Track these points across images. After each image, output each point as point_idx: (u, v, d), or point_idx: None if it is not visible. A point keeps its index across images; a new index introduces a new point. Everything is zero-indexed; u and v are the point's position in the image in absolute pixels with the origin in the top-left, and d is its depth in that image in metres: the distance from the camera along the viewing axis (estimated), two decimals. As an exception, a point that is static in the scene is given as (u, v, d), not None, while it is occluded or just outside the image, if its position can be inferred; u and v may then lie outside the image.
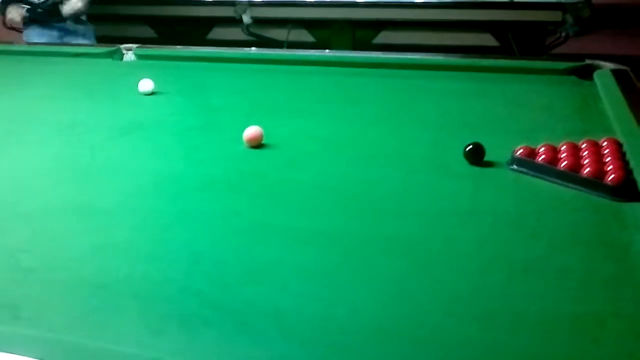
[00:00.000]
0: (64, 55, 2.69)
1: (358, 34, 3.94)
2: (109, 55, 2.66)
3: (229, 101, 2.14)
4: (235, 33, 4.28)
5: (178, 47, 2.78)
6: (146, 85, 2.17)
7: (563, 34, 3.13)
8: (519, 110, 1.89)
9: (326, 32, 4.16)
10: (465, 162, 1.53)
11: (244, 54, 2.65)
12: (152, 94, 2.17)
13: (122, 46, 2.72)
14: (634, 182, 1.34)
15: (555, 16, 3.11)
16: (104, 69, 2.56)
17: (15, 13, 3.42)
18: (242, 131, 1.69)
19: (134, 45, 2.74)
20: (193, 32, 4.37)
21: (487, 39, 3.46)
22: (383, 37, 3.89)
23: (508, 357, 0.91)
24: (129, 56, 2.68)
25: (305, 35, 4.23)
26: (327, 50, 2.88)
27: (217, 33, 4.41)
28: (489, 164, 1.53)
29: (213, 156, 1.67)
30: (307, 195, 1.43)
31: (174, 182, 1.52)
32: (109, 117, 1.99)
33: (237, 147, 1.69)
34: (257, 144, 1.68)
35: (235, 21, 4.22)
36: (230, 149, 1.70)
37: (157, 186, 1.50)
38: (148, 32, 4.49)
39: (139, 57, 2.67)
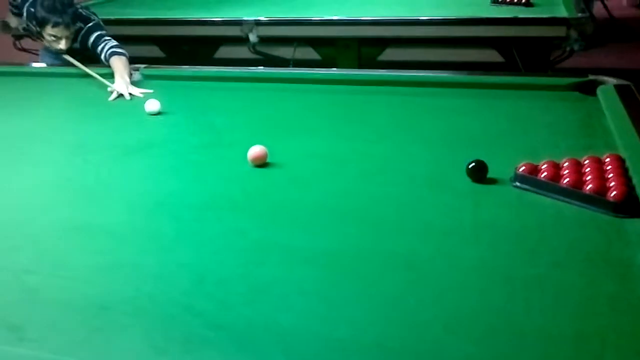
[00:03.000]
0: (71, 76, 2.72)
1: (363, 51, 3.96)
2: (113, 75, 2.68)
3: (234, 120, 2.15)
4: (242, 52, 4.31)
5: (184, 66, 2.81)
6: (153, 105, 2.20)
7: (567, 49, 3.13)
8: (522, 126, 1.90)
9: (332, 50, 4.18)
10: (468, 179, 1.54)
11: (250, 73, 2.67)
12: (158, 114, 2.19)
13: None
14: (637, 198, 1.34)
15: (559, 32, 3.11)
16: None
17: (15, 21, 3.42)
18: (245, 150, 1.71)
19: (142, 66, 2.77)
20: (200, 51, 4.41)
21: (492, 55, 3.45)
22: (388, 54, 3.90)
23: None
24: (136, 76, 2.70)
25: (311, 53, 4.25)
26: (333, 69, 2.90)
27: (223, 52, 4.44)
28: (492, 181, 1.53)
29: (217, 175, 1.69)
30: (310, 213, 1.44)
31: (179, 202, 1.54)
32: (115, 136, 2.01)
33: (241, 166, 1.70)
34: (261, 163, 1.70)
35: (242, 40, 4.25)
36: (234, 168, 1.71)
37: (161, 206, 1.52)
38: (156, 52, 4.53)
39: (146, 76, 2.70)
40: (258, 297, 1.12)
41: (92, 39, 2.84)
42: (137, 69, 2.72)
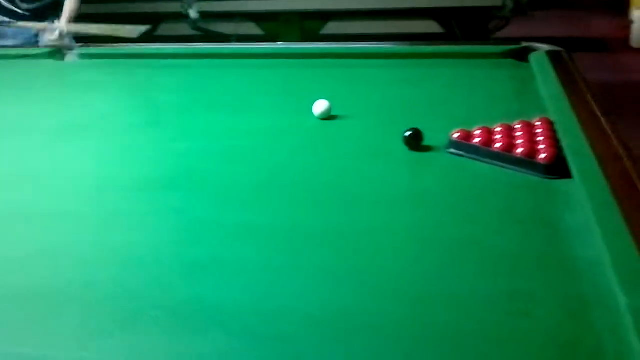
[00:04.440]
0: (1, 57, 2.63)
1: (306, 25, 3.95)
2: (50, 56, 2.61)
3: (173, 98, 2.12)
4: (183, 28, 4.25)
5: (122, 44, 2.74)
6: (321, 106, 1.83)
7: (504, 18, 3.20)
8: (459, 94, 1.93)
9: (274, 25, 4.16)
10: (404, 148, 1.56)
11: (191, 49, 2.63)
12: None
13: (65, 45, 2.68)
14: (565, 160, 1.38)
15: (495, 1, 3.17)
16: (44, 71, 2.51)
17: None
18: (184, 128, 1.69)
19: (77, 45, 2.70)
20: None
21: (432, 26, 3.51)
22: (331, 27, 3.91)
23: (447, 336, 0.93)
24: (71, 56, 2.63)
25: (253, 29, 4.22)
26: (274, 43, 2.89)
27: (164, 29, 4.37)
28: (428, 149, 1.56)
29: (153, 155, 1.66)
30: (247, 189, 1.43)
31: (113, 183, 1.51)
32: (48, 119, 1.95)
33: (177, 144, 1.69)
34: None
35: (183, 16, 4.18)
36: (171, 147, 1.69)
37: (95, 188, 1.49)
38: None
39: (82, 56, 2.63)
40: (195, 275, 1.12)
41: None
42: (71, 49, 2.65)
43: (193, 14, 4.22)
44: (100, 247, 1.23)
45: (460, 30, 3.34)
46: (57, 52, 2.62)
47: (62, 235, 1.27)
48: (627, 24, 6.13)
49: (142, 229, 1.29)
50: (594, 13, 7.37)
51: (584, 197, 1.21)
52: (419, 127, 1.58)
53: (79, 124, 1.90)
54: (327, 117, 1.80)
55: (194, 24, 4.22)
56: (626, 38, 6.05)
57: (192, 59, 2.50)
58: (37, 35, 3.25)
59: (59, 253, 1.21)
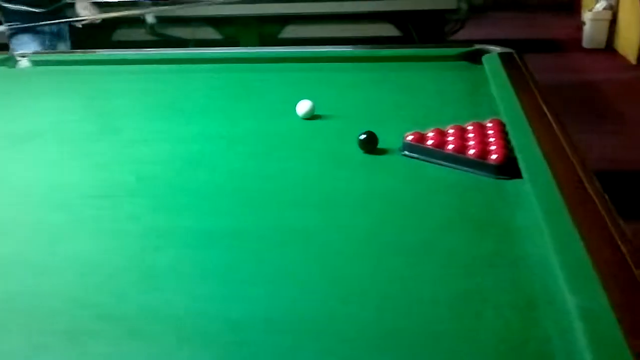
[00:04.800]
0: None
1: (264, 29, 3.95)
2: (1, 63, 2.55)
3: (129, 104, 2.10)
4: (141, 34, 4.21)
5: (76, 51, 2.70)
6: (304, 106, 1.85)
7: (460, 21, 3.25)
8: (413, 97, 1.96)
9: (233, 29, 4.15)
10: (360, 151, 1.57)
11: (148, 55, 2.60)
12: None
13: (15, 53, 2.62)
14: (515, 160, 1.41)
15: (449, 4, 3.22)
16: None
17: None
18: (144, 134, 1.67)
19: (29, 52, 2.65)
20: (98, 34, 4.26)
21: (389, 30, 3.54)
22: (289, 31, 3.92)
23: (405, 338, 0.94)
24: (24, 63, 2.58)
25: (212, 33, 4.20)
26: (233, 48, 2.88)
27: (121, 34, 4.32)
28: (383, 152, 1.57)
29: (108, 162, 1.64)
30: (206, 194, 1.43)
31: (68, 192, 1.48)
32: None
33: (134, 150, 1.67)
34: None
35: (140, 21, 4.14)
36: (127, 153, 1.67)
37: (49, 197, 1.46)
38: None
39: (35, 63, 2.58)
40: (153, 284, 1.11)
41: None
42: (24, 56, 2.59)
43: (150, 19, 4.17)
44: (54, 257, 1.21)
45: (417, 33, 3.38)
46: (7, 59, 2.57)
47: (12, 246, 1.25)
48: (579, 25, 6.28)
49: (98, 237, 1.28)
50: (547, 15, 7.54)
51: (533, 197, 1.23)
52: (375, 130, 1.59)
53: (32, 132, 1.86)
54: (311, 116, 1.83)
55: (151, 29, 4.18)
56: (578, 39, 6.19)
57: (149, 65, 2.47)
58: (54, 39, 3.24)
59: (8, 263, 1.18)
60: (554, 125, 1.54)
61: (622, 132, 4.05)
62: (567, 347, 0.87)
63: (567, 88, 5.02)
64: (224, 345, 0.94)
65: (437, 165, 1.48)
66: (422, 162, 1.51)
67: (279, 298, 1.05)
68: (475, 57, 2.21)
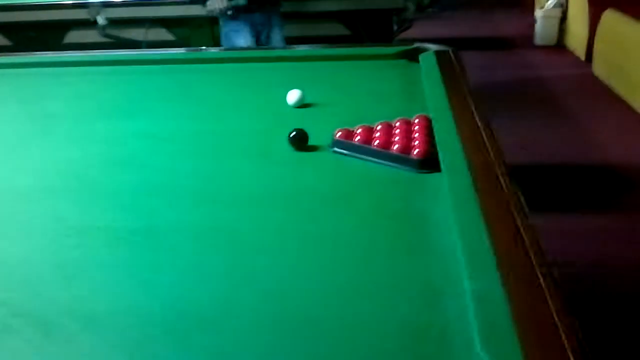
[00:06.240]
0: None
1: (216, 30, 3.96)
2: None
3: (67, 106, 2.09)
4: (93, 36, 4.18)
5: (18, 54, 2.68)
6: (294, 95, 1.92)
7: (407, 20, 3.30)
8: (350, 95, 1.99)
9: (186, 30, 4.14)
10: (290, 148, 1.60)
11: (84, 57, 2.60)
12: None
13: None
14: (437, 154, 1.45)
15: (397, 3, 3.27)
16: None
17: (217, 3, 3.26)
18: (76, 135, 1.67)
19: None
20: (49, 37, 4.22)
21: (339, 29, 3.58)
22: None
23: (320, 327, 0.97)
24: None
25: (164, 34, 4.19)
26: (178, 48, 2.89)
27: (73, 36, 4.28)
28: (313, 148, 1.60)
29: (40, 164, 1.64)
30: (132, 193, 1.45)
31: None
32: None
33: (68, 152, 1.67)
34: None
35: (92, 23, 4.11)
36: (59, 155, 1.68)
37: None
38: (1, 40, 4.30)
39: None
40: (71, 282, 1.12)
41: None
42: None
43: (101, 20, 4.14)
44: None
45: (366, 32, 3.43)
46: None
47: None
48: (531, 22, 6.40)
49: (19, 237, 1.28)
50: (500, 13, 7.69)
51: (447, 190, 1.28)
52: (307, 128, 1.63)
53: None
54: (301, 104, 1.89)
55: (102, 30, 4.15)
56: (531, 36, 6.32)
57: (98, 66, 2.47)
58: None
59: None
60: (477, 120, 1.58)
61: (568, 126, 4.15)
62: (464, 330, 0.90)
63: (519, 84, 5.12)
64: (137, 340, 0.96)
65: (364, 161, 1.52)
66: (350, 158, 1.54)
67: (193, 292, 1.07)
68: (414, 56, 2.26)
